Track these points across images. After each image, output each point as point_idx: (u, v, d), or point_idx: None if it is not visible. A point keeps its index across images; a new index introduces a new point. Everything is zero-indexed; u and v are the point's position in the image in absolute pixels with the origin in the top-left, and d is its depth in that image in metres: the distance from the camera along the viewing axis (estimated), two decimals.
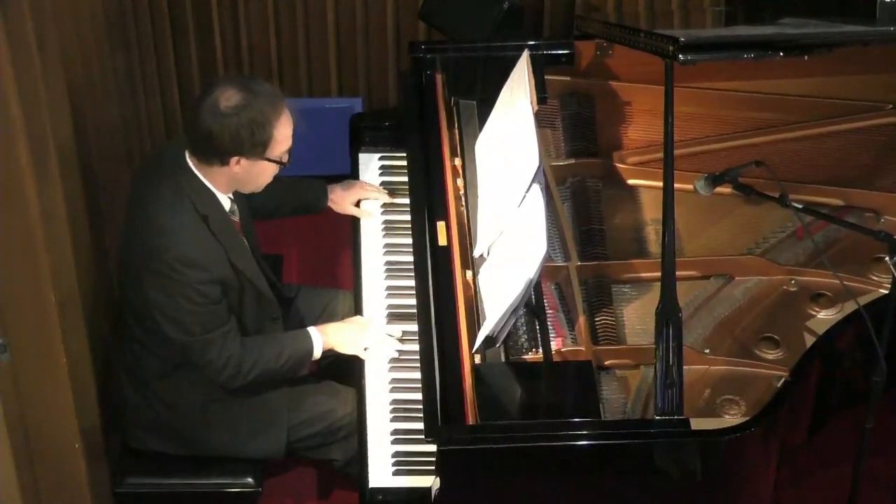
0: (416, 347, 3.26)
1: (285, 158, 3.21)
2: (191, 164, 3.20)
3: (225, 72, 4.77)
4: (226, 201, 3.27)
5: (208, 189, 3.22)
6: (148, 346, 3.33)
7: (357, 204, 3.78)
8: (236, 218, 3.34)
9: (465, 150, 3.61)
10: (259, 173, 3.20)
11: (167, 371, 3.36)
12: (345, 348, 3.40)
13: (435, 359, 3.11)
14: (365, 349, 3.39)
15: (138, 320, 3.30)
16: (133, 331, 3.36)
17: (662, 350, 2.91)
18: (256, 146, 3.12)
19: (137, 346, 3.38)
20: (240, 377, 3.30)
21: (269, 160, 3.16)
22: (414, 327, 3.30)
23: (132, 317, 3.34)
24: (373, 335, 3.40)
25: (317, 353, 3.39)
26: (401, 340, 3.41)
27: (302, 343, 3.38)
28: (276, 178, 3.27)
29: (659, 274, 3.03)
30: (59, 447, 3.22)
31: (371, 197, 3.78)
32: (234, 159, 3.13)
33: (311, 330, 3.40)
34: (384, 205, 3.79)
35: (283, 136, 3.15)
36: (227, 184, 3.23)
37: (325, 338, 3.39)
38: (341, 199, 3.76)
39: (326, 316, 3.71)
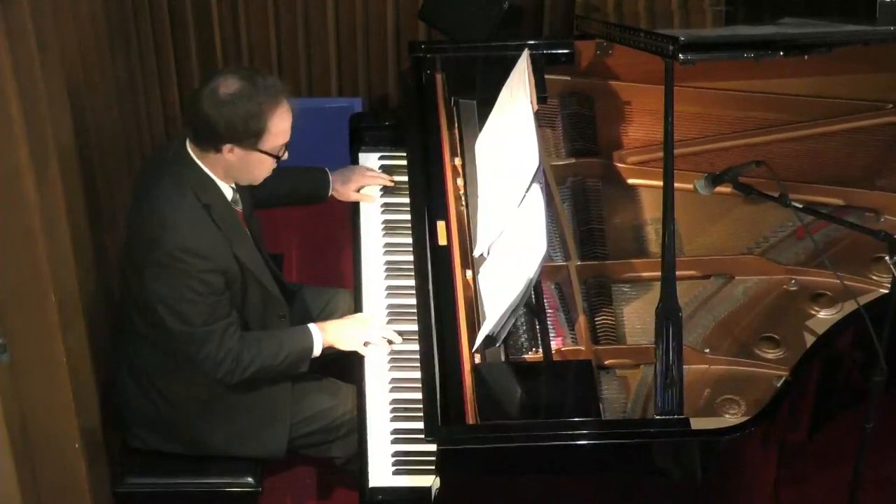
0: (416, 347, 3.26)
1: (281, 153, 3.21)
2: (191, 153, 3.21)
3: None
4: (228, 191, 3.28)
5: (210, 178, 3.22)
6: (151, 342, 3.34)
7: (359, 190, 3.81)
8: (239, 208, 3.34)
9: (465, 150, 3.61)
10: (255, 165, 3.19)
11: (169, 367, 3.35)
12: (344, 344, 3.40)
13: (435, 359, 3.11)
14: (365, 344, 3.38)
15: (142, 315, 3.30)
16: (136, 326, 3.36)
17: (662, 350, 2.91)
18: (249, 136, 3.12)
19: (140, 341, 3.38)
20: (237, 372, 3.29)
21: (263, 152, 3.16)
22: (414, 327, 3.30)
23: (136, 312, 3.34)
24: (372, 330, 3.40)
25: (316, 351, 3.39)
26: (398, 342, 3.41)
27: (302, 340, 3.38)
28: (277, 168, 3.26)
29: (659, 274, 3.03)
30: (59, 447, 3.22)
31: (373, 184, 3.81)
32: (226, 147, 3.14)
33: (312, 327, 3.40)
34: (384, 204, 3.79)
35: (278, 129, 3.15)
36: (224, 172, 3.23)
37: (324, 335, 3.39)
38: (344, 188, 3.78)
39: (327, 314, 3.71)
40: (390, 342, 3.41)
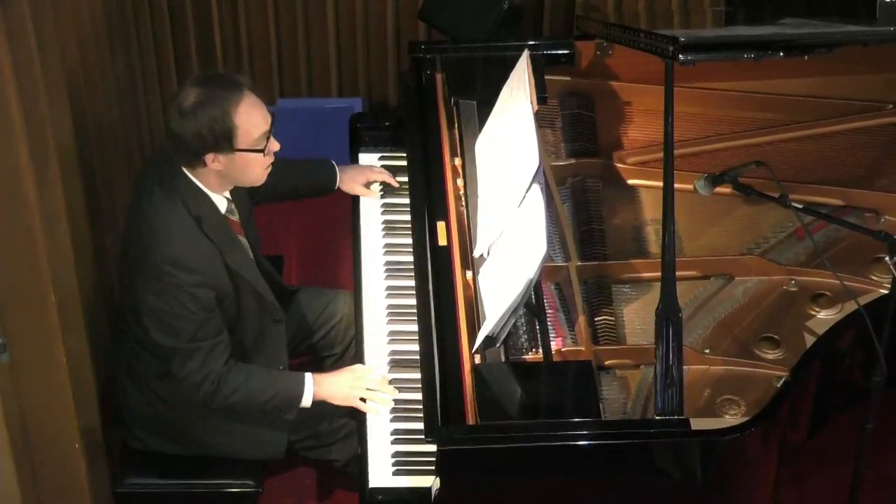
0: (416, 348, 3.26)
1: (263, 145, 3.13)
2: (184, 168, 3.19)
3: None
4: (221, 201, 3.26)
5: (201, 190, 3.20)
6: (148, 346, 3.33)
7: (367, 185, 3.81)
8: (235, 217, 3.33)
9: (465, 150, 3.61)
10: (244, 166, 3.15)
11: (168, 370, 3.35)
12: (339, 400, 3.32)
13: (435, 359, 3.11)
14: (363, 400, 3.29)
15: (138, 320, 3.29)
16: (133, 330, 3.36)
17: (662, 350, 2.91)
18: (221, 140, 3.08)
19: (138, 346, 3.37)
20: (218, 397, 3.24)
21: (243, 150, 3.11)
22: (414, 328, 3.30)
23: (132, 316, 3.34)
24: (370, 384, 3.30)
25: (306, 401, 3.32)
26: (399, 389, 3.31)
27: (293, 386, 3.31)
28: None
29: (659, 274, 3.03)
30: (59, 447, 3.22)
31: (379, 180, 3.81)
32: (208, 157, 3.11)
33: (307, 377, 3.33)
34: (384, 205, 3.79)
35: (248, 123, 3.09)
36: (218, 182, 3.21)
37: (317, 388, 3.31)
38: (351, 181, 3.78)
39: (326, 316, 3.71)
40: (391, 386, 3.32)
